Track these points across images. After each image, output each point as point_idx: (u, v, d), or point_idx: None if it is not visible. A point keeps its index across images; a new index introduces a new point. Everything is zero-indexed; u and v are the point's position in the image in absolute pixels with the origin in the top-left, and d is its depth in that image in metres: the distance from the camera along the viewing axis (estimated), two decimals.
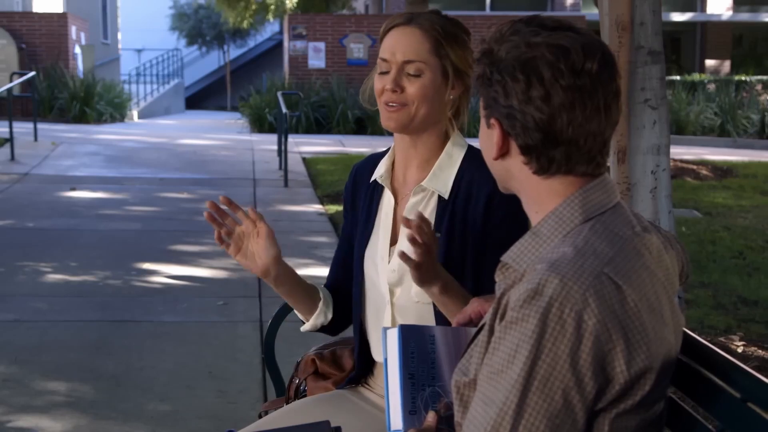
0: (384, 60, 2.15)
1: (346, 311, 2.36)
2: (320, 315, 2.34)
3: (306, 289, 2.32)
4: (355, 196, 2.38)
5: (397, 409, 1.72)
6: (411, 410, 1.71)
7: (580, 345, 1.39)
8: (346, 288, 2.35)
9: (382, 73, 2.16)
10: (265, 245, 2.17)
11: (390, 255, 2.22)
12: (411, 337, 1.76)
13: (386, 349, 1.77)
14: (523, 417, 1.39)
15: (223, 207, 2.23)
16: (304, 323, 2.37)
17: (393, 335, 1.76)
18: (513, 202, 2.11)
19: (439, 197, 2.19)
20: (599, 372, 1.40)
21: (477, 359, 1.52)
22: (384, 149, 2.38)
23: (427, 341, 1.78)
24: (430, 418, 1.69)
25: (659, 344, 1.47)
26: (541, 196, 1.56)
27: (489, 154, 1.59)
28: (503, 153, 1.56)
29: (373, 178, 2.31)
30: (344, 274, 2.37)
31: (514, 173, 1.58)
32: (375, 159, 2.37)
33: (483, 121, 1.60)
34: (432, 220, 2.17)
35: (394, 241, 2.23)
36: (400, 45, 2.13)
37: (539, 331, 1.40)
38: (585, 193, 1.53)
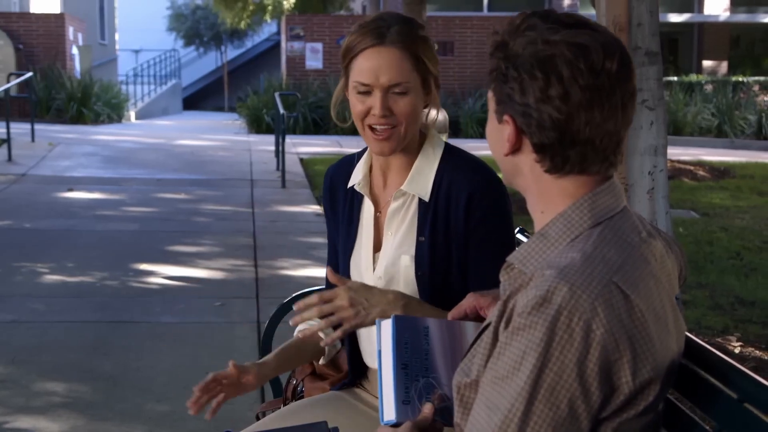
0: (363, 84, 2.09)
1: None
2: (331, 350, 2.35)
3: (302, 346, 2.33)
4: (334, 201, 2.35)
5: (390, 400, 1.71)
6: (404, 400, 1.70)
7: (588, 354, 1.38)
8: None
9: (362, 94, 2.11)
10: (255, 384, 2.26)
11: (374, 263, 2.22)
12: (405, 327, 1.76)
13: (380, 341, 1.77)
14: (528, 425, 1.38)
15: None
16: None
17: (387, 326, 1.76)
18: (493, 201, 2.12)
19: (420, 200, 2.17)
20: (605, 381, 1.39)
21: (480, 360, 1.50)
22: (357, 151, 2.36)
23: (421, 333, 1.78)
24: (427, 409, 1.68)
25: (664, 354, 1.46)
26: (550, 195, 1.53)
27: (499, 150, 1.56)
28: (515, 149, 1.53)
29: (350, 185, 2.29)
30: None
31: (523, 171, 1.55)
32: (349, 161, 2.35)
33: (494, 116, 1.56)
34: (414, 224, 2.17)
35: (377, 248, 2.23)
36: (382, 69, 2.07)
37: (547, 339, 1.38)
38: (594, 196, 1.51)
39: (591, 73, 1.44)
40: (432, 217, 2.15)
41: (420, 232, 2.15)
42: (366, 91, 2.10)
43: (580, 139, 1.46)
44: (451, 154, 2.19)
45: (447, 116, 4.18)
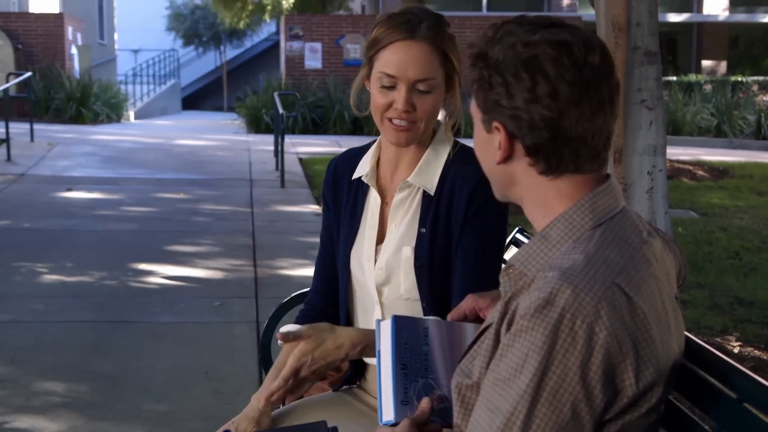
0: (389, 75, 2.09)
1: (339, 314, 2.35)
2: None
3: None
4: (337, 193, 2.34)
5: (389, 399, 1.70)
6: (403, 400, 1.70)
7: (591, 357, 1.37)
8: (338, 289, 2.34)
9: (385, 87, 2.11)
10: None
11: (376, 255, 2.22)
12: (404, 328, 1.76)
13: (379, 341, 1.77)
14: (531, 428, 1.38)
15: None
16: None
17: (386, 326, 1.76)
18: (493, 195, 2.13)
19: (425, 193, 2.18)
20: (608, 384, 1.39)
21: (481, 362, 1.50)
22: (362, 145, 2.36)
23: (420, 333, 1.77)
24: (425, 404, 1.67)
25: (667, 356, 1.46)
26: (547, 198, 1.53)
27: (490, 159, 1.56)
28: (507, 156, 1.52)
29: (356, 176, 2.29)
30: (333, 274, 2.35)
31: (517, 177, 1.54)
32: (354, 155, 2.35)
33: (481, 127, 1.55)
34: (417, 216, 2.17)
35: (380, 240, 2.23)
36: (410, 63, 2.07)
37: (550, 342, 1.38)
38: (594, 197, 1.51)
39: (575, 68, 1.45)
40: (434, 209, 2.15)
41: (422, 223, 2.16)
42: (390, 84, 2.10)
43: (572, 136, 1.46)
44: (460, 150, 2.20)
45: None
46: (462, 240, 2.13)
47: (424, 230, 2.15)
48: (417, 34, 2.08)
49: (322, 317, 2.35)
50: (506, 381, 1.41)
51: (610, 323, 1.38)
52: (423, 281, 2.14)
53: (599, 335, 1.38)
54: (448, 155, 2.19)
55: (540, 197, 1.54)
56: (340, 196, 2.33)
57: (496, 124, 1.51)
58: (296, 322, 2.35)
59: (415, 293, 2.15)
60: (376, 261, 2.21)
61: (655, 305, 1.46)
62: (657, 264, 1.52)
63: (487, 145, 1.56)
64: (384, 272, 2.19)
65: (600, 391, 1.39)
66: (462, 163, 2.17)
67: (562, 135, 1.46)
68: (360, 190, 2.29)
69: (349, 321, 2.31)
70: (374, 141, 2.31)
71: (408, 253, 2.16)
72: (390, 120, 2.13)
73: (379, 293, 2.21)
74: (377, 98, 2.13)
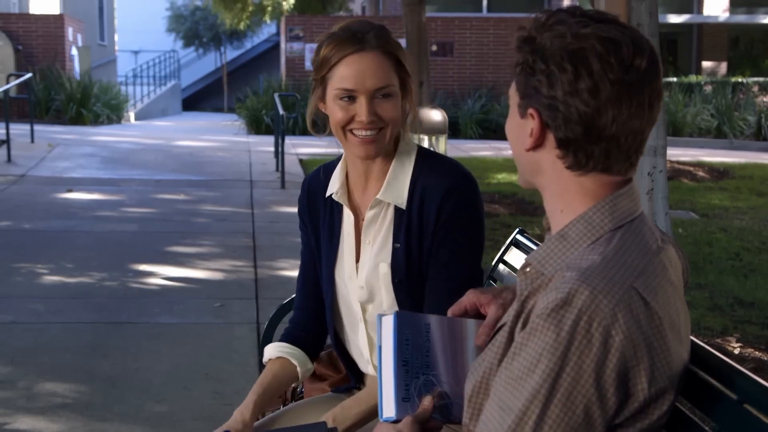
0: (347, 90, 2.07)
1: (324, 330, 2.35)
2: (306, 372, 2.33)
3: (280, 381, 2.29)
4: (313, 211, 2.31)
5: (390, 396, 1.69)
6: (404, 397, 1.69)
7: (606, 360, 1.36)
8: (322, 305, 2.32)
9: (344, 101, 2.08)
10: None
11: (357, 272, 2.20)
12: (406, 324, 1.74)
13: (380, 336, 1.76)
14: (543, 429, 1.37)
15: None
16: None
17: (388, 322, 1.75)
18: (465, 199, 2.10)
19: (396, 208, 2.15)
20: (621, 388, 1.38)
21: (492, 359, 1.50)
22: (334, 159, 2.33)
23: (422, 330, 1.76)
24: (426, 402, 1.66)
25: (678, 363, 1.46)
26: (570, 193, 1.51)
27: (520, 144, 1.54)
28: (537, 144, 1.51)
29: (328, 194, 2.25)
30: (316, 291, 2.33)
31: (544, 167, 1.52)
32: (327, 170, 2.31)
33: (516, 111, 1.54)
34: (390, 231, 2.15)
35: (358, 257, 2.21)
36: (367, 73, 2.05)
37: (566, 343, 1.37)
38: (615, 199, 1.49)
39: (621, 68, 1.42)
40: (407, 223, 2.13)
41: (395, 239, 2.14)
42: (350, 98, 2.08)
43: (605, 135, 1.45)
44: (424, 158, 2.17)
45: (446, 117, 4.18)
46: (433, 249, 2.12)
47: (398, 245, 2.13)
48: (366, 44, 2.06)
49: (306, 333, 2.34)
50: (519, 380, 1.40)
51: (626, 327, 1.37)
52: (402, 297, 2.13)
53: (615, 338, 1.37)
54: (414, 164, 2.16)
55: (562, 191, 1.52)
56: (317, 214, 2.30)
57: (531, 110, 1.49)
58: (281, 340, 2.35)
59: (396, 309, 2.13)
60: (357, 278, 2.20)
61: (669, 311, 1.45)
62: (672, 270, 1.51)
63: (519, 129, 1.54)
64: (365, 291, 2.18)
65: (613, 395, 1.38)
66: (429, 172, 2.14)
67: (596, 133, 1.44)
68: (335, 208, 2.26)
69: (337, 339, 2.30)
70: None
71: (385, 269, 2.15)
72: (353, 133, 2.10)
73: (363, 310, 2.21)
74: (337, 114, 2.10)
